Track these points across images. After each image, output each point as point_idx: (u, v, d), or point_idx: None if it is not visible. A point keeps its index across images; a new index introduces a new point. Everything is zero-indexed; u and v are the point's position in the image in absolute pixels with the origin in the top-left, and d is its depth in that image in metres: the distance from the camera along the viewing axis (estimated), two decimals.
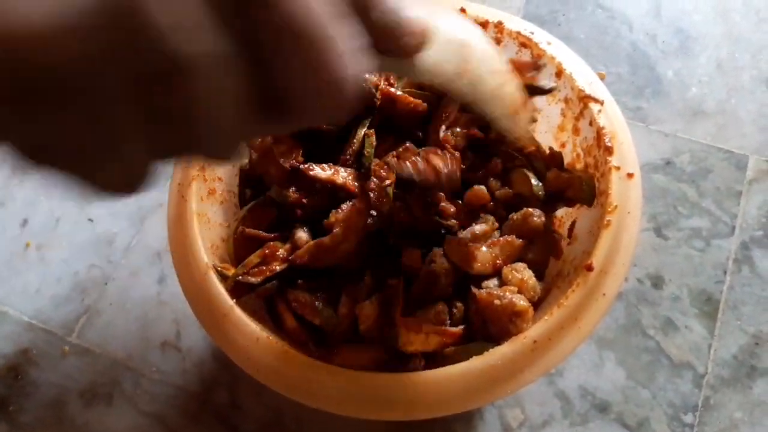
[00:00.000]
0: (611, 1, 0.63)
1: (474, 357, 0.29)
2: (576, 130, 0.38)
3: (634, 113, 0.55)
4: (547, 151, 0.39)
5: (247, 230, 0.34)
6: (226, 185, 0.39)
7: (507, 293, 0.32)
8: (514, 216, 0.36)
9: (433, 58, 0.24)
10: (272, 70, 0.16)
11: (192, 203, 0.35)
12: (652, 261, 0.47)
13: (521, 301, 0.31)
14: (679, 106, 0.55)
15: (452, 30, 0.28)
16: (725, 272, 0.46)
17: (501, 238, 0.35)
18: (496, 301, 0.31)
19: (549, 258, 0.37)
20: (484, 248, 0.35)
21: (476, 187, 0.37)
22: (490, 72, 0.29)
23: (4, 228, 0.55)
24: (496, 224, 0.37)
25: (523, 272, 0.34)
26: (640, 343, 0.45)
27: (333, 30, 0.16)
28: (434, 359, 0.32)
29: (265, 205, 0.36)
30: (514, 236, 0.35)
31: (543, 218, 0.36)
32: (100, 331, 0.50)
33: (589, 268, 0.31)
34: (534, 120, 0.33)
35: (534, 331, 0.30)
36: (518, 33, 0.40)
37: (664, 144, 0.53)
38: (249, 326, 0.31)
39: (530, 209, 0.36)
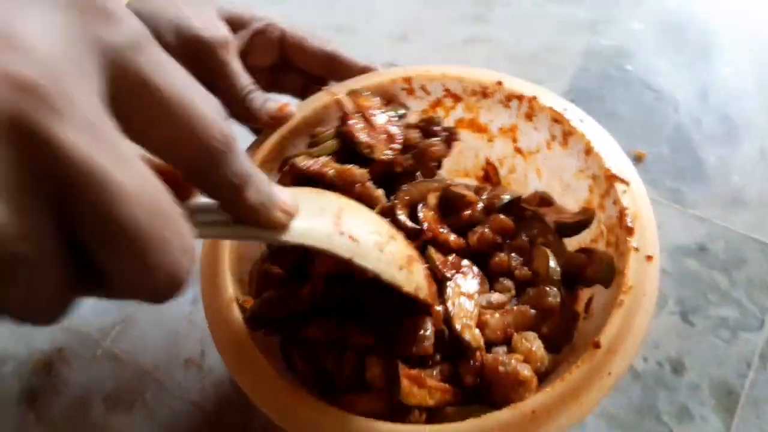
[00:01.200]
0: (659, 83, 0.64)
1: (471, 419, 0.30)
2: (602, 207, 0.39)
3: (672, 195, 0.55)
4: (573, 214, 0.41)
5: (269, 267, 0.37)
6: None
7: (513, 360, 0.33)
8: (530, 291, 0.37)
9: (304, 224, 0.26)
10: (97, 263, 0.17)
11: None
12: (675, 346, 0.47)
13: (525, 371, 0.32)
14: (718, 192, 0.55)
15: (320, 200, 0.30)
16: (749, 366, 0.45)
17: (515, 307, 0.36)
18: (501, 368, 0.32)
19: (565, 334, 0.37)
20: (497, 315, 0.36)
21: (499, 256, 0.39)
22: (367, 232, 0.30)
23: None
24: (514, 292, 0.38)
25: (532, 341, 0.35)
26: (652, 428, 0.44)
27: (166, 229, 0.17)
28: (435, 415, 0.33)
29: (290, 247, 0.38)
30: (528, 307, 0.36)
31: (558, 298, 0.36)
32: (132, 340, 0.53)
33: (596, 345, 0.31)
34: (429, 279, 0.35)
35: (534, 401, 0.30)
36: (551, 108, 0.42)
37: (699, 229, 0.53)
38: (261, 361, 0.33)
39: (546, 288, 0.37)
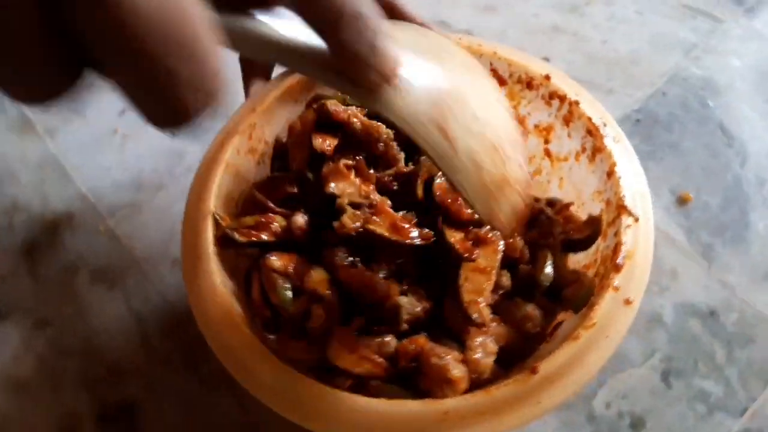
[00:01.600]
0: (736, 129, 0.58)
1: (382, 399, 0.30)
2: (604, 236, 0.37)
3: (703, 249, 0.51)
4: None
5: (257, 194, 0.37)
6: (268, 150, 0.42)
7: (449, 357, 0.32)
8: (515, 306, 0.35)
9: (404, 99, 0.21)
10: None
11: (227, 153, 0.38)
12: (644, 402, 0.44)
13: (456, 371, 0.31)
14: (753, 262, 0.50)
15: (441, 75, 0.24)
16: None
17: (501, 326, 0.34)
18: (434, 359, 0.31)
19: (520, 351, 0.36)
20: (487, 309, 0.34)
21: (515, 240, 0.37)
22: (482, 137, 0.25)
23: (104, 111, 0.62)
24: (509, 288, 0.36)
25: (485, 346, 0.33)
26: None
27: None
28: (361, 385, 0.33)
29: (286, 181, 0.38)
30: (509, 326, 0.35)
31: (538, 328, 0.35)
32: (135, 226, 0.55)
33: (533, 371, 0.30)
34: (526, 206, 0.30)
35: (450, 403, 0.29)
36: (589, 118, 0.39)
37: (718, 293, 0.49)
38: (213, 278, 0.33)
39: (531, 312, 0.35)
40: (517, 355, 0.35)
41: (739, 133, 0.58)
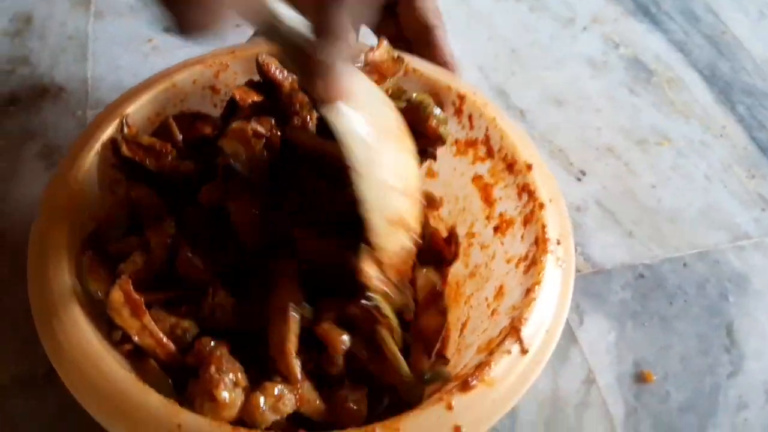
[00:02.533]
0: (743, 338, 0.50)
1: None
2: (486, 349, 0.31)
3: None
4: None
5: (170, 121, 0.35)
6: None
7: (231, 376, 0.27)
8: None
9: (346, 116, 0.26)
10: None
11: (181, 75, 0.38)
12: None
13: (225, 394, 0.26)
14: None
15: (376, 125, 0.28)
16: None
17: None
18: (213, 369, 0.27)
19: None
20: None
21: None
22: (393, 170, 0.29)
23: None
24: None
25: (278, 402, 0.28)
26: None
27: None
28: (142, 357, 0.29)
29: (206, 122, 0.36)
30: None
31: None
32: None
33: None
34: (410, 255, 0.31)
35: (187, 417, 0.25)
36: (544, 226, 0.34)
37: None
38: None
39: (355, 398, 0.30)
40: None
41: (745, 344, 0.50)
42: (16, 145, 0.51)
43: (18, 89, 0.55)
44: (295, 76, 0.35)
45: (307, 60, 0.25)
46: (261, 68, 0.34)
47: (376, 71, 0.36)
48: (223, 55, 0.38)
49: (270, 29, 0.26)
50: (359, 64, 0.36)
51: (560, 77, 0.67)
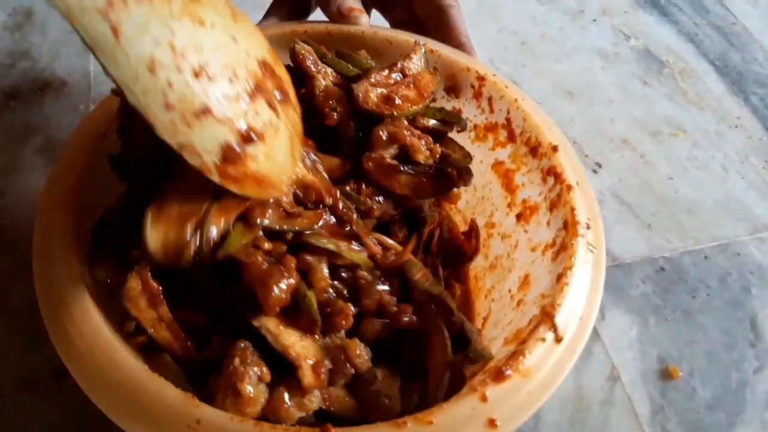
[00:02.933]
0: None
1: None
2: (517, 339, 0.29)
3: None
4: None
5: None
6: None
7: (255, 370, 0.25)
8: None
9: None
10: None
11: None
12: None
13: (250, 389, 0.24)
14: None
15: None
16: None
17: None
18: (237, 361, 0.25)
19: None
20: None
21: None
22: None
23: None
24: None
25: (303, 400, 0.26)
26: None
27: None
28: (154, 351, 0.27)
29: None
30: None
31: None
32: None
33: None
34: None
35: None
36: (573, 209, 0.32)
37: None
38: None
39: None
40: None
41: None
42: (17, 139, 0.50)
43: (19, 83, 0.54)
44: (329, 70, 0.33)
45: None
46: (296, 58, 0.32)
47: (415, 86, 0.35)
48: None
49: None
50: (397, 75, 0.34)
51: (571, 69, 0.65)
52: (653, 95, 0.64)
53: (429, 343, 0.28)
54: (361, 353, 0.27)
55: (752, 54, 0.70)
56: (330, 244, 0.28)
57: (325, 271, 0.27)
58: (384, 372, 0.27)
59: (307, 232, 0.27)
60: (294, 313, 0.26)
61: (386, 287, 0.29)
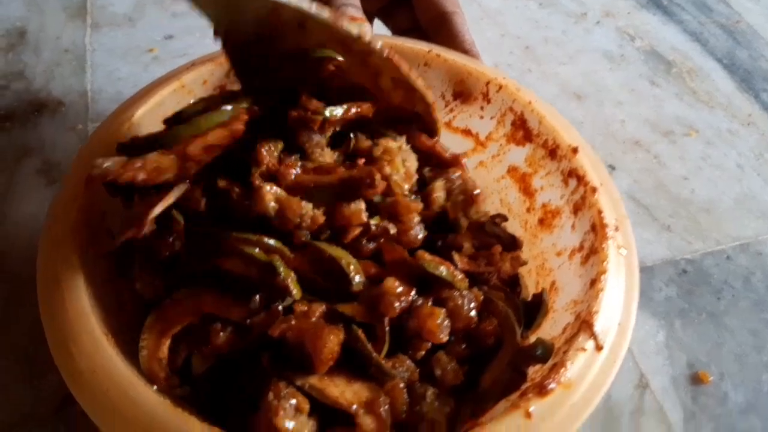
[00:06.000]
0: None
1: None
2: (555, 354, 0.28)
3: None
4: None
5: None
6: None
7: (293, 402, 0.23)
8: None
9: None
10: None
11: (189, 75, 0.34)
12: None
13: (289, 424, 0.22)
14: None
15: None
16: None
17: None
18: (272, 395, 0.23)
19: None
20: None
21: None
22: None
23: (153, 29, 0.60)
24: None
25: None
26: None
27: None
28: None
29: None
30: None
31: None
32: None
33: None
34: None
35: None
36: (600, 212, 0.31)
37: None
38: None
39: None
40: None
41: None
42: (13, 162, 0.48)
43: (13, 105, 0.52)
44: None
45: None
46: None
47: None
48: None
49: None
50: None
51: (577, 72, 0.64)
52: (662, 95, 0.63)
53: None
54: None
55: (759, 51, 0.69)
56: None
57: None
58: (434, 392, 0.25)
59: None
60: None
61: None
